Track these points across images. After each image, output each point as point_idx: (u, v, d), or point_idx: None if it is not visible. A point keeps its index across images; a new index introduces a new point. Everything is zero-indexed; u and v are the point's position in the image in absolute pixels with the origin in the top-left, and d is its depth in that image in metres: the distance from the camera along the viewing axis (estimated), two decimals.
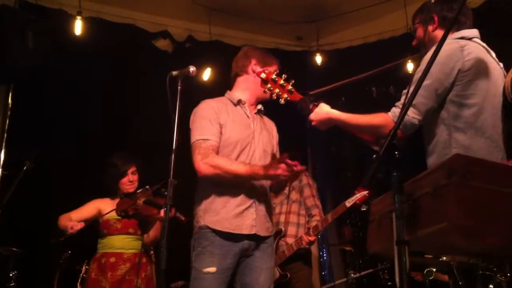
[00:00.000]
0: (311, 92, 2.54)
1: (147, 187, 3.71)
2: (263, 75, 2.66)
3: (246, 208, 2.86)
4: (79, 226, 3.63)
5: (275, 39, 5.99)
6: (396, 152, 1.49)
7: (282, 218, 4.27)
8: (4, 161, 4.54)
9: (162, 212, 3.57)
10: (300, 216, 4.29)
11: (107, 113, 5.11)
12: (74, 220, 3.76)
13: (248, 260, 2.88)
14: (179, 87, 2.67)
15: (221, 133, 2.92)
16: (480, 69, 2.20)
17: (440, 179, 1.46)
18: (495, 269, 2.20)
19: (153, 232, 3.94)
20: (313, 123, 2.48)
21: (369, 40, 5.60)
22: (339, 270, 5.75)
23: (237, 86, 3.11)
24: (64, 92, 4.87)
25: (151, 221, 3.90)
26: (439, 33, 2.38)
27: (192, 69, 2.76)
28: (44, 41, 4.52)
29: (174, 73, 2.71)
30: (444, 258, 2.69)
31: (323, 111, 2.46)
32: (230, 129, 2.92)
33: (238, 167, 2.81)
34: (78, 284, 4.09)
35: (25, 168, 4.02)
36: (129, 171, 3.96)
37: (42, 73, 4.62)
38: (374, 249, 1.84)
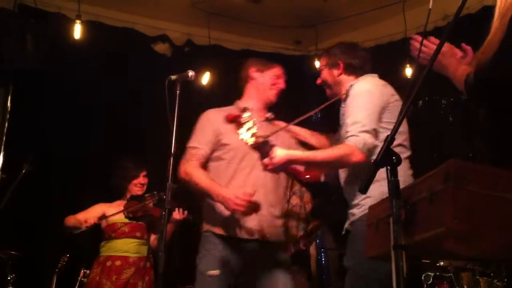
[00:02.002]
0: (267, 137, 2.47)
1: (155, 192, 3.72)
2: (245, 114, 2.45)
3: None
4: (93, 220, 3.64)
5: (273, 43, 6.00)
6: (393, 158, 1.50)
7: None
8: (2, 164, 4.54)
9: (174, 214, 3.61)
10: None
11: (106, 116, 5.10)
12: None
13: (259, 269, 2.91)
14: (178, 91, 2.67)
15: (218, 142, 2.97)
16: (399, 101, 2.57)
17: (436, 184, 1.47)
18: (492, 274, 2.22)
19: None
20: (269, 167, 2.43)
21: (368, 45, 5.60)
22: (337, 274, 5.73)
23: (244, 95, 3.19)
24: (63, 95, 4.88)
25: (159, 224, 3.91)
26: (344, 77, 2.70)
27: (191, 73, 2.76)
28: (43, 44, 4.53)
29: (173, 77, 2.71)
30: (442, 263, 2.70)
31: (281, 155, 2.41)
32: (230, 137, 2.92)
33: (203, 181, 2.87)
34: (77, 287, 4.09)
35: (23, 171, 4.03)
36: (141, 174, 4.01)
37: (41, 75, 4.63)
38: (372, 254, 1.85)
